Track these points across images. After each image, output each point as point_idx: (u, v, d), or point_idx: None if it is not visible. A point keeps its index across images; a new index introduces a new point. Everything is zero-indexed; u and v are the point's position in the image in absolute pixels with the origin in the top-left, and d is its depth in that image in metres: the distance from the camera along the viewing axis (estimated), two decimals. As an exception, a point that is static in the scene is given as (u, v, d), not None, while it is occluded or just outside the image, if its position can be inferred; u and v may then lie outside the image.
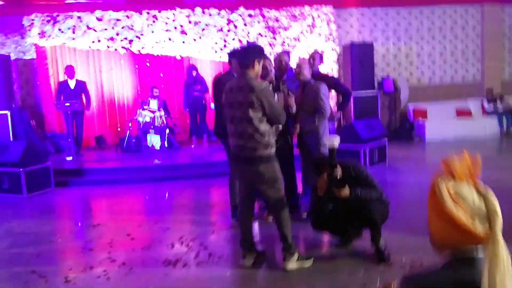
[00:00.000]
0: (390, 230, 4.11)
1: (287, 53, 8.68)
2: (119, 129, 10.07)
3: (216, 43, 9.62)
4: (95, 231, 4.91)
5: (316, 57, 5.42)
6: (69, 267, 3.88)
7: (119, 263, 3.87)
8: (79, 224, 5.48)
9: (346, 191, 3.49)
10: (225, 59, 9.33)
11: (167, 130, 8.84)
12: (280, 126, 4.71)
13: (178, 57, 9.77)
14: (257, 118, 3.42)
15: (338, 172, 3.54)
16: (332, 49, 10.02)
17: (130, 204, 6.09)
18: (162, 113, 8.75)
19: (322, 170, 3.57)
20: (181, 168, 7.54)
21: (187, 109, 9.11)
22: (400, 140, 10.16)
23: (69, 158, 8.11)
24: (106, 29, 9.29)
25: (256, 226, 4.75)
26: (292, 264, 3.60)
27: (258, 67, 3.53)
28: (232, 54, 4.78)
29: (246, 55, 3.54)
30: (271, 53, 9.75)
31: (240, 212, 3.85)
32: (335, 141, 3.61)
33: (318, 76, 5.23)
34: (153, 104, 8.87)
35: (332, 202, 3.61)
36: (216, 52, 9.68)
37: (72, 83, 8.64)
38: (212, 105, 6.21)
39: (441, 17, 11.13)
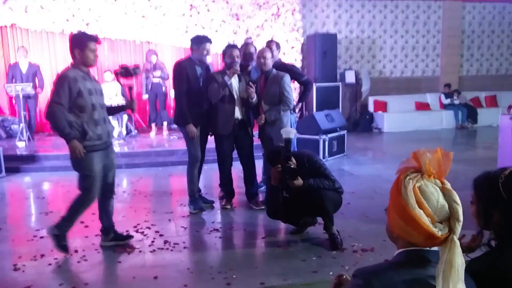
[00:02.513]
0: (345, 217, 4.22)
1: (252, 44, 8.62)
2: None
3: (177, 29, 9.40)
4: (47, 218, 4.70)
5: (273, 47, 5.31)
6: (18, 255, 3.71)
7: (71, 250, 3.72)
8: (30, 211, 5.25)
9: (299, 182, 3.60)
10: (187, 45, 9.17)
11: (125, 117, 8.58)
12: (239, 116, 4.62)
13: (138, 42, 9.50)
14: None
15: (292, 163, 3.61)
16: (296, 39, 10.02)
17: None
18: (121, 98, 8.44)
19: (277, 160, 3.63)
20: (139, 156, 7.36)
21: (147, 96, 8.89)
22: (360, 131, 10.37)
23: (21, 144, 7.77)
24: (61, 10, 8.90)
25: (218, 214, 4.77)
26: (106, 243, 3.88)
27: (80, 56, 3.55)
28: (192, 40, 4.66)
29: (69, 45, 3.60)
30: (234, 40, 9.63)
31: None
32: (291, 133, 3.73)
33: (280, 66, 5.15)
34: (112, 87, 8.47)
35: (286, 192, 3.66)
36: (177, 37, 9.47)
37: (24, 66, 8.26)
38: (173, 92, 6.02)
39: (404, 11, 11.32)
